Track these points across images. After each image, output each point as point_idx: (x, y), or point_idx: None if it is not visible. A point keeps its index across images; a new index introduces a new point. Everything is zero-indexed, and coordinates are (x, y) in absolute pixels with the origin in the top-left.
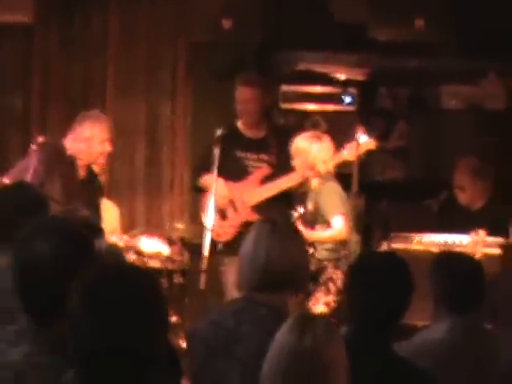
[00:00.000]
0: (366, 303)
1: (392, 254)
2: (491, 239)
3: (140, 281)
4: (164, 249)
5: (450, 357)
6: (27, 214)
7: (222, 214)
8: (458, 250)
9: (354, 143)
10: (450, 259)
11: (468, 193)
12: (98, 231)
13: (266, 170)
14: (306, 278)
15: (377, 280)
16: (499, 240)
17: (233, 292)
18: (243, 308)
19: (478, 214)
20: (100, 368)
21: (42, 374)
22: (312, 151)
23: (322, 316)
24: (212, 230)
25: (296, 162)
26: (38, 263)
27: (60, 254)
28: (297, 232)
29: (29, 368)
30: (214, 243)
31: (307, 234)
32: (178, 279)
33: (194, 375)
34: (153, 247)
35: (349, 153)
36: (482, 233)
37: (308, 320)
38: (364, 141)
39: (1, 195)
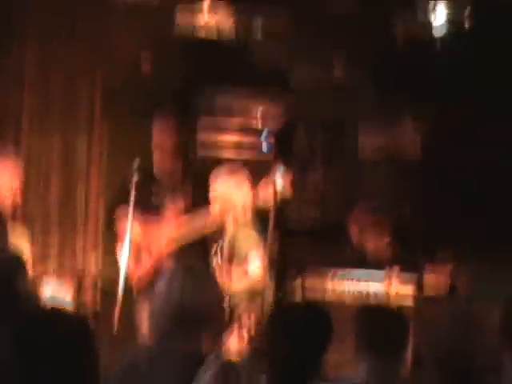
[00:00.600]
0: (283, 354)
1: (310, 304)
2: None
3: (72, 326)
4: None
5: None
6: None
7: (137, 257)
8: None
9: (270, 190)
10: (370, 311)
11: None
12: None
13: (180, 205)
14: (221, 319)
15: (295, 332)
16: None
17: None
18: (158, 354)
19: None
20: None
21: None
22: (232, 197)
23: (241, 363)
24: (127, 270)
25: (214, 208)
26: None
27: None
28: (211, 273)
29: None
30: (129, 287)
31: (225, 285)
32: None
33: None
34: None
35: (265, 200)
36: (395, 269)
37: (228, 368)
38: (281, 188)
39: None
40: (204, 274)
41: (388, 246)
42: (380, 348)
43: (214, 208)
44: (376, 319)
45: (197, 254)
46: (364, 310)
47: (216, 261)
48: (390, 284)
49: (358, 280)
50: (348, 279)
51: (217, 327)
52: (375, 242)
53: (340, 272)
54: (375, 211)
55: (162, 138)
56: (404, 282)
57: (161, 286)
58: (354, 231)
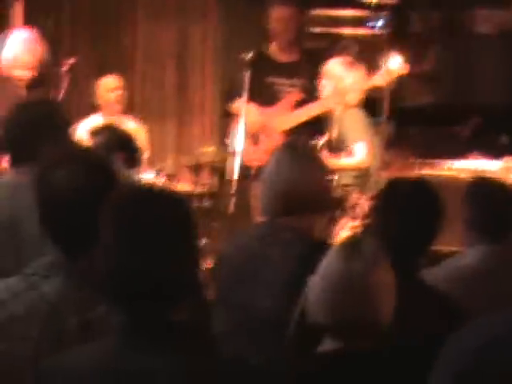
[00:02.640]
0: (396, 228)
1: (422, 181)
2: None
3: (171, 204)
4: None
5: (482, 284)
6: (48, 134)
7: (254, 139)
8: (490, 176)
9: (385, 68)
10: (483, 186)
11: None
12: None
13: (297, 95)
14: (328, 201)
15: (407, 205)
16: None
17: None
18: (268, 232)
19: None
20: (132, 293)
21: (76, 310)
22: (346, 79)
23: (369, 239)
24: (242, 155)
25: (324, 85)
26: (57, 194)
27: (80, 185)
28: (317, 156)
29: (62, 302)
30: (245, 168)
31: (331, 161)
32: (206, 202)
33: (221, 299)
34: None
35: (380, 78)
36: None
37: (356, 243)
38: (396, 66)
39: (21, 112)
40: (310, 154)
41: None
42: (494, 228)
43: (325, 85)
44: (491, 194)
45: (311, 134)
46: (477, 183)
47: (325, 142)
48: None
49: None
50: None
51: (324, 207)
52: None
53: (455, 163)
54: None
55: (282, 16)
56: None
57: (268, 167)
58: None
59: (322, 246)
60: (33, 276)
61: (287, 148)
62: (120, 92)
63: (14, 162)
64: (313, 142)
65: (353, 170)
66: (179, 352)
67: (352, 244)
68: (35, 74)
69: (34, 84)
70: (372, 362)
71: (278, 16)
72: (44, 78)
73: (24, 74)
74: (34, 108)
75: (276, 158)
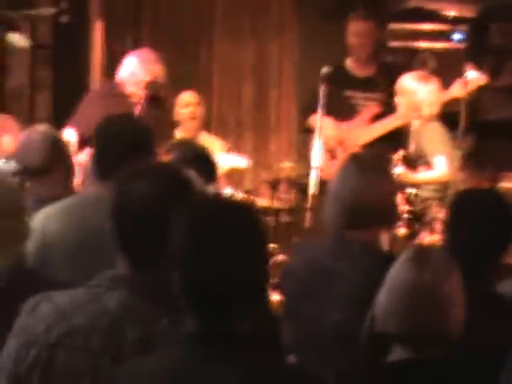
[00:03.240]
0: (467, 239)
1: (494, 191)
2: None
3: (242, 216)
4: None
5: None
6: (135, 152)
7: (331, 153)
8: None
9: (463, 79)
10: None
11: None
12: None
13: (375, 108)
14: (394, 213)
15: (479, 216)
16: None
17: None
18: (336, 246)
19: None
20: (205, 304)
21: (137, 323)
22: (419, 93)
23: (438, 249)
24: (319, 169)
25: (399, 100)
26: (131, 205)
27: (154, 197)
28: (384, 168)
29: (124, 315)
30: (323, 183)
31: (410, 176)
32: (284, 218)
33: (288, 313)
34: None
35: (457, 89)
36: None
37: (425, 254)
38: (474, 77)
39: (108, 129)
40: (377, 167)
41: None
42: None
43: (400, 100)
44: None
45: (388, 148)
46: None
47: (402, 156)
48: None
49: None
50: None
51: (391, 222)
52: None
53: None
54: None
55: (360, 31)
56: None
57: (335, 180)
58: None
59: (389, 259)
60: (96, 288)
61: (354, 160)
62: (194, 108)
63: (100, 176)
64: (389, 156)
65: (433, 183)
66: (245, 363)
67: (421, 254)
68: (149, 92)
69: (148, 102)
70: (443, 372)
71: (355, 30)
72: (158, 97)
73: (137, 90)
74: (123, 124)
75: (342, 171)
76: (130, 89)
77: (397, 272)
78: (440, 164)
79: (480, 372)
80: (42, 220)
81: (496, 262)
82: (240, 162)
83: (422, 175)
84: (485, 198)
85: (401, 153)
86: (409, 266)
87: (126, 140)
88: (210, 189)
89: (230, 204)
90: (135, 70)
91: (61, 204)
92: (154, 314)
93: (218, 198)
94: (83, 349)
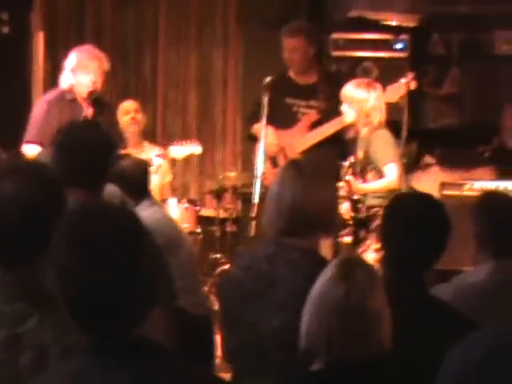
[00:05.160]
0: (402, 244)
1: (428, 196)
2: None
3: (121, 220)
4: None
5: (490, 299)
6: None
7: (272, 161)
8: (497, 191)
9: (397, 84)
10: (494, 200)
11: None
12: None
13: (314, 115)
14: (334, 221)
15: (412, 220)
16: None
17: None
18: (275, 252)
19: None
20: (91, 312)
21: (2, 324)
22: (369, 100)
23: (363, 262)
24: (262, 178)
25: (347, 109)
26: (2, 205)
27: (26, 198)
28: (323, 174)
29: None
30: (266, 191)
31: (360, 186)
32: (230, 227)
33: (228, 321)
34: None
35: (390, 95)
36: None
37: (351, 268)
38: (405, 81)
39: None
40: (315, 172)
41: None
42: (503, 242)
43: (348, 109)
44: (499, 208)
45: (330, 155)
46: (486, 197)
47: (350, 163)
48: None
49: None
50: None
51: (331, 229)
52: None
53: (476, 183)
54: None
55: (290, 47)
56: None
57: (274, 185)
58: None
59: (327, 265)
60: None
61: (292, 166)
62: (134, 114)
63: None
64: (336, 163)
65: (381, 190)
66: (136, 371)
67: (346, 270)
68: (98, 86)
69: (97, 105)
70: (378, 378)
71: (287, 47)
72: (105, 99)
73: (88, 79)
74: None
75: (281, 176)
76: (80, 78)
77: (321, 287)
78: (390, 172)
79: (417, 375)
80: None
81: (431, 266)
82: (194, 148)
83: (372, 184)
84: (418, 203)
85: (351, 159)
86: (335, 283)
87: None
88: (131, 204)
89: (110, 211)
90: (82, 58)
91: None
92: (21, 314)
93: (98, 206)
94: None
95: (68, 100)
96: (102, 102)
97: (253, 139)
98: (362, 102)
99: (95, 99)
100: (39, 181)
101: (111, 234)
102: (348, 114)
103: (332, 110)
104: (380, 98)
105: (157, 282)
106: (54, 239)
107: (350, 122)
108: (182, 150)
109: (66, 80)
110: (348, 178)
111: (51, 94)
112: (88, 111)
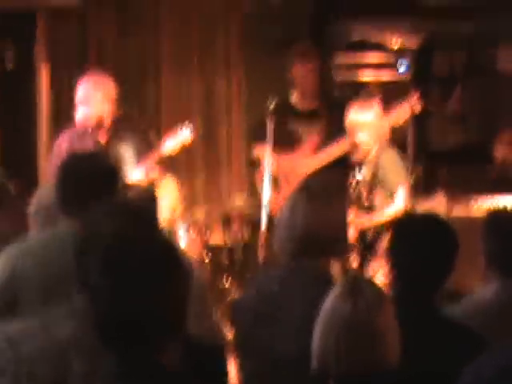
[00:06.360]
0: (410, 264)
1: (435, 216)
2: None
3: (156, 249)
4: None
5: (499, 317)
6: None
7: (275, 186)
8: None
9: (402, 107)
10: (501, 217)
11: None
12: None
13: (316, 139)
14: (345, 242)
15: (418, 241)
16: None
17: None
18: (287, 274)
19: None
20: (121, 336)
21: (85, 356)
22: (374, 119)
23: (370, 281)
24: (269, 204)
25: (361, 137)
26: (97, 242)
27: (122, 235)
28: (333, 197)
29: (72, 347)
30: (271, 216)
31: (366, 221)
32: (238, 255)
33: (240, 345)
34: None
35: (396, 116)
36: None
37: (358, 285)
38: (409, 104)
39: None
40: (326, 196)
41: None
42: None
43: (362, 139)
44: (507, 226)
45: (335, 178)
46: (494, 215)
47: (354, 185)
48: None
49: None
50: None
51: (342, 251)
52: None
53: (483, 200)
54: None
55: (303, 73)
56: None
57: (284, 210)
58: (500, 151)
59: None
60: (49, 318)
61: (302, 190)
62: None
63: (68, 213)
64: (344, 183)
65: (391, 214)
66: None
67: (353, 287)
68: (107, 113)
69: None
70: None
71: (300, 70)
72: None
73: (94, 111)
74: (86, 161)
75: (292, 199)
76: (85, 110)
77: (330, 305)
78: (399, 196)
79: None
80: (13, 255)
81: (440, 286)
82: (184, 135)
83: (379, 218)
84: (426, 223)
85: (358, 179)
86: (342, 299)
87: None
88: None
89: (146, 239)
90: (89, 89)
91: (31, 241)
92: (101, 349)
93: (135, 234)
94: (27, 377)
95: (80, 132)
96: (119, 127)
97: (254, 164)
98: (369, 123)
99: (111, 126)
100: (133, 220)
101: (145, 259)
102: (361, 138)
103: (334, 134)
104: (379, 114)
105: (185, 311)
106: (90, 260)
107: (350, 145)
108: (173, 142)
109: (77, 114)
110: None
111: (67, 131)
112: (99, 139)
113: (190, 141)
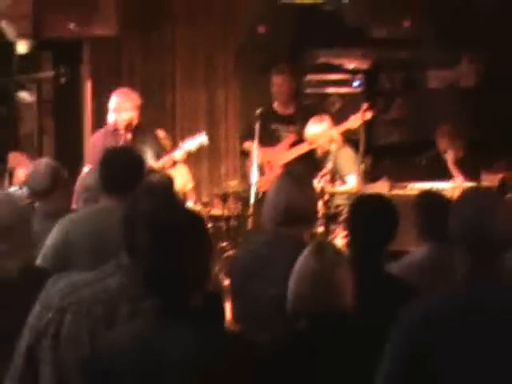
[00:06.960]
0: (363, 232)
1: (380, 195)
2: (467, 184)
3: (190, 218)
4: None
5: (428, 272)
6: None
7: (261, 171)
8: (430, 190)
9: (357, 115)
10: (429, 197)
11: (451, 153)
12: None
13: (292, 137)
14: (315, 213)
15: (369, 214)
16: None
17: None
18: (273, 240)
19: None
20: (161, 283)
21: (129, 301)
22: (324, 129)
23: (332, 243)
24: (256, 185)
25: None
26: (139, 216)
27: (159, 208)
28: (309, 180)
29: (120, 294)
30: (258, 193)
31: (330, 188)
32: (233, 222)
33: (235, 293)
34: None
35: (352, 122)
36: (458, 180)
37: (323, 246)
38: (363, 112)
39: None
40: (303, 179)
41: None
42: (437, 229)
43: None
44: (432, 202)
45: (304, 167)
46: (425, 194)
47: (325, 172)
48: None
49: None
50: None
51: (314, 221)
52: (454, 153)
53: (416, 184)
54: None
55: (278, 82)
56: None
57: (272, 188)
58: (442, 143)
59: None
60: (103, 272)
61: (286, 174)
62: (163, 142)
63: (108, 193)
64: (313, 172)
65: (345, 193)
66: (196, 328)
67: (319, 249)
68: (135, 119)
69: (136, 132)
70: (339, 338)
71: (275, 82)
72: (143, 127)
73: (125, 116)
74: (122, 154)
75: (278, 182)
76: (121, 116)
77: (301, 263)
78: (351, 180)
79: (373, 337)
80: (66, 224)
81: (384, 248)
82: (201, 138)
83: (339, 188)
84: (375, 201)
85: (324, 170)
86: (311, 256)
87: (127, 165)
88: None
89: (178, 211)
90: (121, 99)
91: (80, 213)
92: (142, 295)
93: (169, 208)
94: (86, 315)
95: (112, 132)
96: (141, 129)
97: (245, 155)
98: (320, 133)
99: (135, 128)
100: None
101: (180, 227)
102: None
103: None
104: (328, 124)
105: (209, 267)
106: (137, 228)
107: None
108: (193, 143)
109: (110, 118)
110: (322, 183)
111: (101, 130)
112: (127, 138)
113: (206, 143)
